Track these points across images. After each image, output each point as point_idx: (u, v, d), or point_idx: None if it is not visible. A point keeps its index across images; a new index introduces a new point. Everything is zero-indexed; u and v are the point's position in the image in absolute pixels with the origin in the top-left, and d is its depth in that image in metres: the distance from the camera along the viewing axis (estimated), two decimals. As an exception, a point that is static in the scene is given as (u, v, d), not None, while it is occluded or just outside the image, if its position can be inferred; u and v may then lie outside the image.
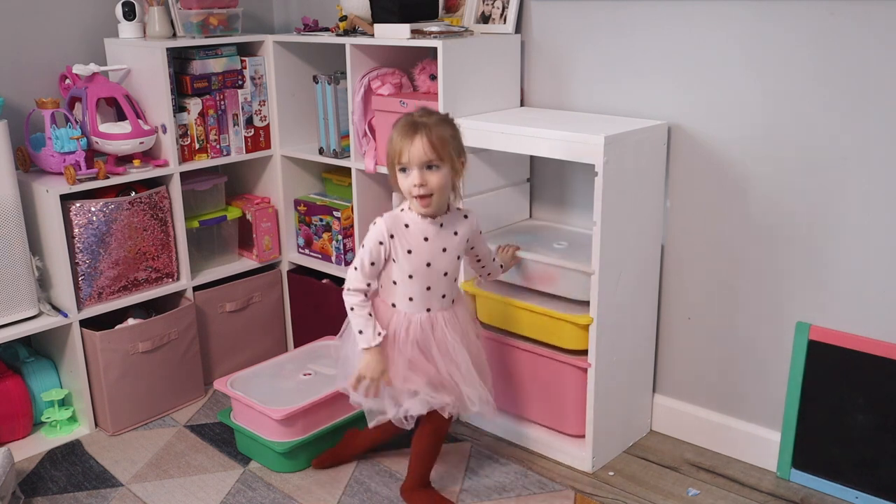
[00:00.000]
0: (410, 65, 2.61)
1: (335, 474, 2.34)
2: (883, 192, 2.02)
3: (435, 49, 2.34)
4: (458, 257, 2.08)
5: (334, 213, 2.84)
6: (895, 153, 1.98)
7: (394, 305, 2.05)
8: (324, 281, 2.95)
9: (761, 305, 2.28)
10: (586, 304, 2.25)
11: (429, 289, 2.03)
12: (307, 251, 3.00)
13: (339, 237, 2.85)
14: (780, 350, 2.26)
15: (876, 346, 2.09)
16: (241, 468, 2.39)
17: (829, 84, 2.04)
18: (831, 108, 2.05)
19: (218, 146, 2.81)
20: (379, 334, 2.00)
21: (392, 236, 1.99)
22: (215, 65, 2.74)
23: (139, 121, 2.58)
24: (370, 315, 2.00)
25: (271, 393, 2.40)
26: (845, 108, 2.03)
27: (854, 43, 1.98)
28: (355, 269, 2.01)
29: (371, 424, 2.11)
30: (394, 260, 2.01)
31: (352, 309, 2.01)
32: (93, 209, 2.48)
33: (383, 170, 2.59)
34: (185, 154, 2.73)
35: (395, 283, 2.04)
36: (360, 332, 2.00)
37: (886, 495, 2.11)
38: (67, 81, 2.64)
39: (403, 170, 1.97)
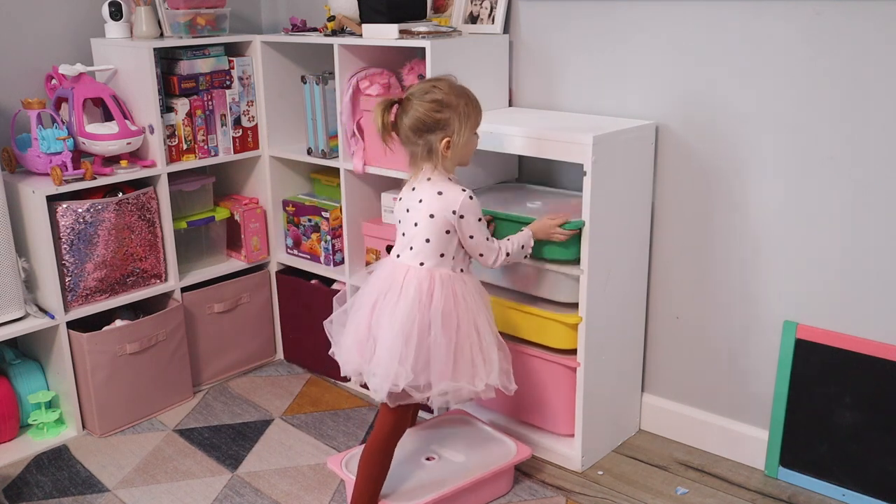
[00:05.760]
0: (399, 65, 2.61)
1: (324, 479, 2.33)
2: (869, 191, 2.03)
3: (423, 49, 2.34)
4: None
5: (323, 213, 2.84)
6: (881, 153, 1.99)
7: (462, 271, 2.05)
8: (312, 282, 2.94)
9: (749, 304, 2.28)
10: (570, 305, 2.25)
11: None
12: (296, 252, 2.99)
13: (328, 238, 2.84)
14: (768, 349, 2.27)
15: (863, 344, 2.10)
16: (230, 473, 2.38)
17: (816, 83, 2.05)
18: (818, 107, 2.06)
19: (206, 147, 2.79)
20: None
21: None
22: (203, 65, 2.73)
23: (126, 121, 2.56)
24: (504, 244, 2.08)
25: (389, 479, 2.10)
26: (832, 107, 2.04)
27: (841, 42, 1.99)
28: (488, 239, 2.03)
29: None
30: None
31: (508, 254, 2.07)
32: (79, 210, 2.47)
33: (372, 170, 2.59)
34: (173, 155, 2.71)
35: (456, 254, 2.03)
36: (523, 245, 2.11)
37: (873, 493, 2.12)
38: (54, 82, 2.62)
39: (475, 133, 2.03)
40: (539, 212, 2.28)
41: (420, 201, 1.98)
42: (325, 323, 2.11)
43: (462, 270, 2.02)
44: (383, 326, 1.94)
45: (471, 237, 1.99)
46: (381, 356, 1.93)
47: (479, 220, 2.00)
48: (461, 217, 1.96)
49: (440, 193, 1.96)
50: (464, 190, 1.97)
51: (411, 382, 1.91)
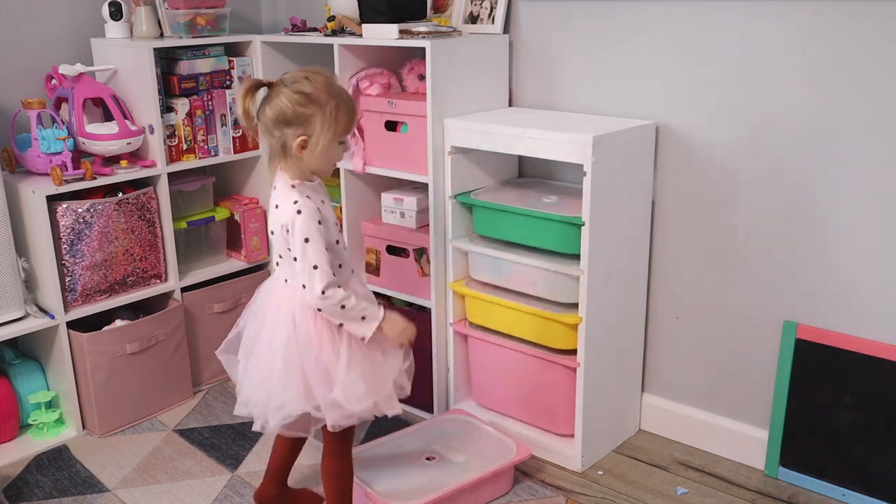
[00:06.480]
0: (399, 65, 2.61)
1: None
2: (868, 191, 2.03)
3: (423, 49, 2.34)
4: None
5: (323, 213, 2.83)
6: (881, 152, 1.99)
7: None
8: (313, 282, 2.93)
9: (749, 304, 2.28)
10: (570, 305, 2.25)
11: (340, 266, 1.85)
12: (296, 252, 2.99)
13: (328, 238, 2.84)
14: (768, 349, 2.27)
15: (863, 344, 2.10)
16: (230, 473, 2.38)
17: (816, 83, 2.05)
18: (817, 108, 2.06)
19: (206, 147, 2.80)
20: (379, 304, 1.84)
21: (319, 209, 1.77)
22: (203, 65, 2.73)
23: (126, 121, 2.57)
24: (355, 298, 1.78)
25: (390, 479, 2.13)
26: (831, 108, 2.04)
27: (840, 42, 1.99)
28: (315, 267, 1.72)
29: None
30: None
31: (342, 307, 1.74)
32: (79, 210, 2.47)
33: (372, 170, 2.59)
34: (173, 155, 2.71)
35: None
36: (364, 317, 1.77)
37: (873, 493, 2.12)
38: (54, 82, 2.62)
39: (342, 142, 1.81)
40: (555, 207, 2.26)
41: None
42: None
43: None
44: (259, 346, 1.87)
45: (294, 259, 1.74)
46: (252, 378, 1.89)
47: (307, 240, 1.70)
48: (288, 232, 1.73)
49: (277, 207, 1.77)
50: (295, 202, 1.73)
51: (263, 400, 1.84)
